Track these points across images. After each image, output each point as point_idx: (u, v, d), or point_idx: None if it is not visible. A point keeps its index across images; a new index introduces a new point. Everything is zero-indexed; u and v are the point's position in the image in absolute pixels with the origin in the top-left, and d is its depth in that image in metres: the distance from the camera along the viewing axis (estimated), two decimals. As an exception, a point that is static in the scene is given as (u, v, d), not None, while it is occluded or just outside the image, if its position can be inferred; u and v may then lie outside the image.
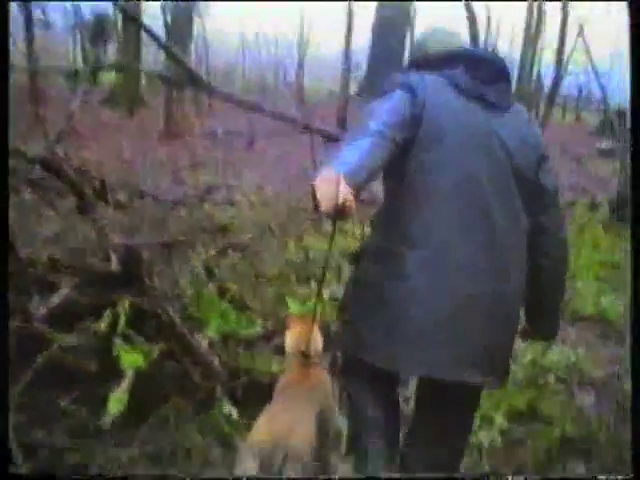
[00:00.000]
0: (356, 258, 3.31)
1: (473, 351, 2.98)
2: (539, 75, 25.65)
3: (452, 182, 2.94)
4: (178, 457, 4.11)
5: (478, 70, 3.06)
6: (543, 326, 3.48)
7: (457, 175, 2.94)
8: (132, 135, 17.83)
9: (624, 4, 3.32)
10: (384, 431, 3.37)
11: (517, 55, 25.44)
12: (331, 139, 10.82)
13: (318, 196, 2.52)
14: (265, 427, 3.11)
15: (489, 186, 2.96)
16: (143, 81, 27.30)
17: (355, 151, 2.74)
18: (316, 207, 2.56)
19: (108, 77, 25.59)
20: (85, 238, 5.46)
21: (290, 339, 3.83)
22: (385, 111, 2.90)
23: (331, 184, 2.48)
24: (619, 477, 3.15)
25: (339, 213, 2.51)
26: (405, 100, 2.93)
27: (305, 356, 3.63)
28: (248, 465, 2.95)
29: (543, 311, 3.39)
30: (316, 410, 3.30)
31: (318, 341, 3.76)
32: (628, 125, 15.42)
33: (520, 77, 25.69)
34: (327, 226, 8.72)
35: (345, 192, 2.48)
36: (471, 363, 2.99)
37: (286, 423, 3.09)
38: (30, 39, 22.88)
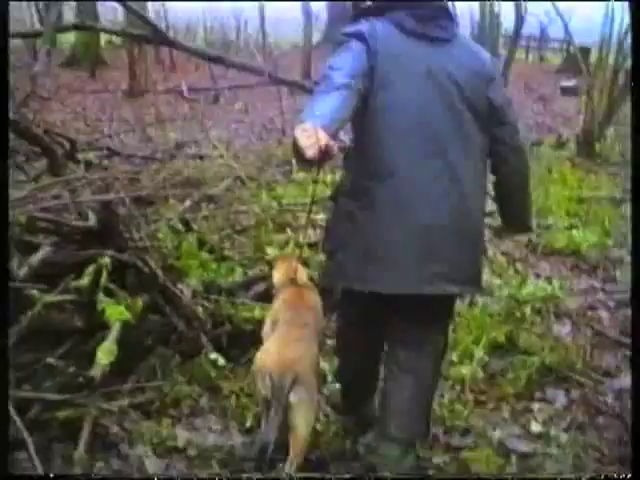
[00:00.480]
0: (334, 196, 3.55)
1: (444, 266, 3.33)
2: (497, 17, 25.50)
3: (408, 120, 3.25)
4: (167, 406, 4.18)
5: (419, 9, 3.31)
6: (516, 223, 3.95)
7: (411, 113, 3.25)
8: (95, 96, 17.70)
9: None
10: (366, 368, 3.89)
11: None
12: (297, 88, 10.82)
13: (301, 144, 2.68)
14: (275, 353, 3.47)
15: (442, 118, 3.29)
16: (102, 42, 27.08)
17: (326, 105, 2.98)
18: (300, 156, 2.72)
19: (67, 38, 25.30)
20: (57, 199, 5.44)
21: (278, 274, 4.26)
22: (347, 62, 3.15)
23: (311, 133, 2.69)
24: (619, 477, 3.24)
25: (323, 156, 2.69)
26: (361, 50, 3.19)
27: (294, 282, 4.05)
28: (259, 387, 3.43)
29: (513, 211, 3.82)
30: (317, 331, 3.81)
31: (303, 272, 4.28)
32: (591, 61, 15.55)
33: (481, 20, 25.63)
34: (296, 176, 8.78)
35: (325, 137, 2.69)
36: (445, 277, 3.34)
37: (294, 349, 3.50)
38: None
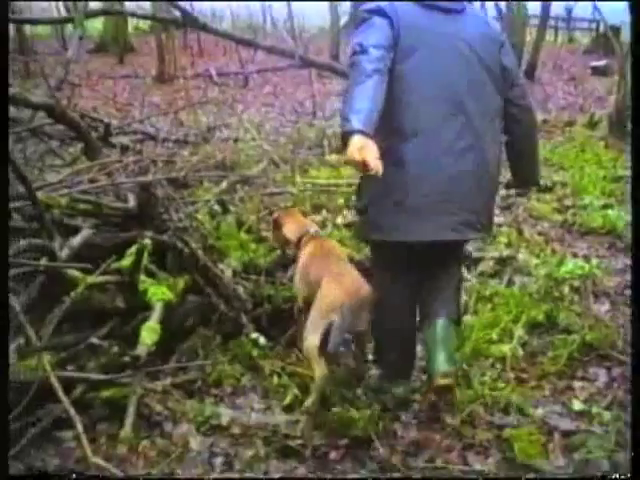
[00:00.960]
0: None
1: (468, 215, 3.74)
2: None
3: (430, 84, 3.58)
4: (210, 386, 4.20)
5: None
6: (526, 177, 4.29)
7: (434, 78, 3.58)
8: (125, 81, 17.75)
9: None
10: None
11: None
12: (329, 70, 10.79)
13: (355, 162, 3.17)
14: (338, 290, 3.88)
15: (461, 81, 3.62)
16: (130, 28, 27.16)
17: (363, 97, 3.31)
18: (352, 163, 3.23)
19: (94, 26, 25.40)
20: (95, 182, 5.48)
21: (289, 228, 4.61)
22: (373, 41, 3.44)
23: (363, 152, 3.14)
24: (618, 477, 3.22)
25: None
26: (384, 25, 3.50)
27: (309, 234, 4.48)
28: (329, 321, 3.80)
29: (524, 166, 4.17)
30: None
31: (312, 223, 4.75)
32: (623, 39, 15.37)
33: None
34: (329, 157, 8.78)
35: (375, 158, 3.16)
36: (469, 225, 3.76)
37: (350, 281, 3.97)
38: (12, -9, 22.66)
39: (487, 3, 25.29)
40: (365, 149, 3.15)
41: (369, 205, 3.77)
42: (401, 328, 4.08)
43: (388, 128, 3.47)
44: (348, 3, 30.90)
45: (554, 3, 22.20)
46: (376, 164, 3.15)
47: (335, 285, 3.93)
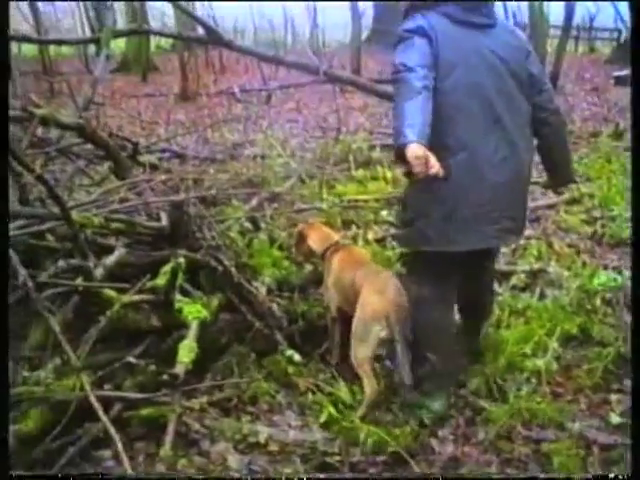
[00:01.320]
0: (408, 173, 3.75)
1: (509, 221, 3.98)
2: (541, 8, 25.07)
3: (471, 99, 3.76)
4: (246, 403, 4.20)
5: (463, 1, 3.84)
6: (560, 176, 4.51)
7: (473, 92, 3.77)
8: (148, 100, 17.85)
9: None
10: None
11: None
12: (352, 85, 10.79)
13: (415, 169, 3.34)
14: (380, 298, 4.00)
15: (496, 95, 3.82)
16: (152, 47, 27.34)
17: (415, 112, 3.47)
18: (409, 173, 3.49)
19: (117, 45, 25.59)
20: (126, 201, 5.51)
21: (315, 241, 4.75)
22: (417, 60, 3.61)
23: (422, 160, 3.31)
24: (618, 477, 3.20)
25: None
26: (424, 44, 3.67)
27: (338, 244, 4.66)
28: (377, 330, 3.94)
29: (558, 166, 4.38)
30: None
31: (335, 233, 4.93)
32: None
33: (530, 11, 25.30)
34: (355, 173, 8.79)
35: (436, 164, 3.34)
36: (509, 231, 4.03)
37: (393, 289, 4.06)
38: (36, 13, 22.92)
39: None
40: (425, 154, 3.31)
41: (416, 217, 3.96)
42: (443, 336, 4.20)
43: (434, 144, 3.52)
44: (370, 18, 31.11)
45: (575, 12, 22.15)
46: (438, 166, 3.34)
47: (377, 293, 4.03)
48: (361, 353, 4.01)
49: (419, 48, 3.66)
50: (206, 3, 27.90)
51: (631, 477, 2.92)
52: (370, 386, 3.97)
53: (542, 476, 3.56)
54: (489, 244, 4.07)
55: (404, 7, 4.01)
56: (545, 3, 24.43)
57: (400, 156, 3.42)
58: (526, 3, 23.07)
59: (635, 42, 3.63)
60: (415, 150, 3.31)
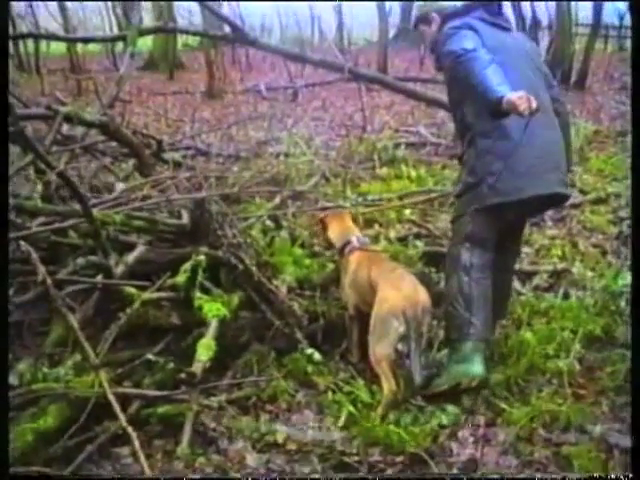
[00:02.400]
0: (471, 139, 4.45)
1: (562, 175, 4.50)
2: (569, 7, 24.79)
3: (513, 73, 4.13)
4: (265, 402, 4.19)
5: (489, 7, 4.51)
6: None
7: (513, 70, 4.18)
8: (175, 98, 17.90)
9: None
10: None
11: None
12: (378, 83, 10.76)
13: (520, 108, 3.76)
14: (397, 295, 4.06)
15: (532, 74, 4.45)
16: (179, 45, 27.41)
17: (497, 74, 3.97)
18: (515, 111, 3.81)
19: (144, 43, 25.67)
20: (148, 198, 5.52)
21: (334, 234, 4.84)
22: (474, 46, 4.09)
23: (524, 98, 3.77)
24: (618, 477, 3.15)
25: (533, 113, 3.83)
26: (473, 34, 4.20)
27: (354, 246, 4.68)
28: (395, 327, 3.98)
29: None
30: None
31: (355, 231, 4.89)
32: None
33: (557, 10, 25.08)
34: (380, 171, 8.76)
35: (534, 101, 3.81)
36: (564, 182, 4.53)
37: (409, 285, 4.17)
38: (64, 11, 23.06)
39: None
40: (525, 94, 3.78)
41: (483, 177, 4.33)
42: (488, 301, 4.41)
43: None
44: (397, 16, 31.08)
45: (604, 10, 21.91)
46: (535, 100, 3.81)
47: (393, 289, 4.10)
48: (379, 350, 4.02)
49: (471, 37, 4.18)
50: (233, 2, 27.94)
51: (632, 477, 2.88)
52: (388, 385, 3.96)
53: (539, 476, 3.51)
54: (552, 189, 4.40)
55: (416, 16, 4.78)
56: (573, 2, 24.28)
57: (497, 111, 3.94)
58: (554, 3, 22.95)
59: (635, 42, 3.60)
60: (516, 94, 3.78)
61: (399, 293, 4.06)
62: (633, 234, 3.51)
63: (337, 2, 21.39)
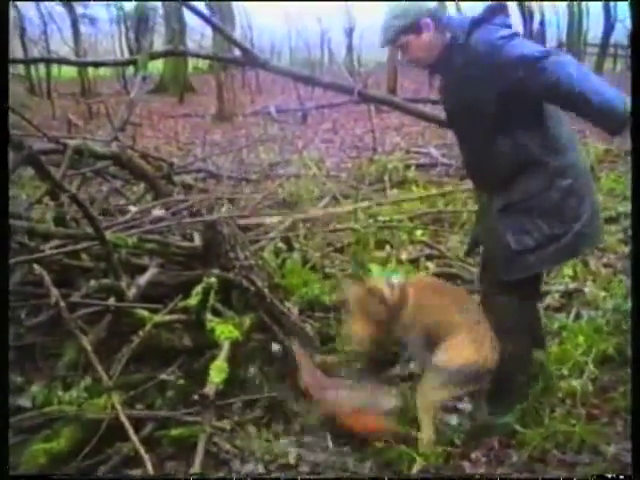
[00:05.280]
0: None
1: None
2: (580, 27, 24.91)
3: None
4: (277, 423, 4.19)
5: (502, 14, 3.84)
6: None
7: None
8: (185, 121, 17.99)
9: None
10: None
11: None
12: (387, 104, 10.78)
13: None
14: (476, 353, 3.83)
15: None
16: (189, 68, 27.59)
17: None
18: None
19: (154, 66, 25.85)
20: (160, 221, 5.55)
21: (351, 299, 4.19)
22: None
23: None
24: (618, 477, 3.13)
25: None
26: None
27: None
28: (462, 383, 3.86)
29: None
30: None
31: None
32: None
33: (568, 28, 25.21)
34: (390, 192, 8.78)
35: None
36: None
37: (489, 345, 3.87)
38: (77, 35, 23.23)
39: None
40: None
41: (569, 225, 3.82)
42: (531, 360, 4.28)
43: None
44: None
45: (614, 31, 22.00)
46: None
47: (474, 344, 3.86)
48: (433, 398, 3.85)
49: (528, 41, 3.75)
50: (245, 24, 28.12)
51: (632, 477, 2.87)
52: (428, 434, 3.80)
53: (539, 476, 3.50)
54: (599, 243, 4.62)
55: (398, 27, 3.90)
56: (584, 22, 24.38)
57: (622, 125, 3.45)
58: (565, 22, 23.02)
59: (635, 42, 3.57)
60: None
61: (479, 352, 3.83)
62: (633, 238, 3.47)
63: (347, 24, 21.45)
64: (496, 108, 3.67)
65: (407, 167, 10.25)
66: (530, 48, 3.54)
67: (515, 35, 3.65)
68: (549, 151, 3.73)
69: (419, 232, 6.89)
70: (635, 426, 2.95)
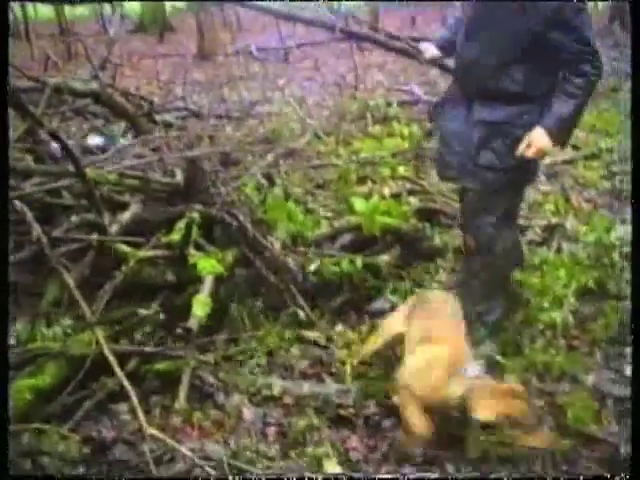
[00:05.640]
0: None
1: None
2: None
3: None
4: (260, 357, 4.22)
5: None
6: None
7: None
8: (166, 60, 17.79)
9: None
10: None
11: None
12: (370, 41, 10.70)
13: None
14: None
15: None
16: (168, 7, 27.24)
17: None
18: None
19: (132, 8, 25.58)
20: (140, 157, 5.52)
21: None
22: None
23: None
24: (619, 477, 3.16)
25: None
26: None
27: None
28: None
29: None
30: None
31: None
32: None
33: None
34: (372, 129, 8.74)
35: None
36: None
37: None
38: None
39: None
40: None
41: None
42: None
43: None
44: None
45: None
46: None
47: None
48: None
49: None
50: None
51: (631, 477, 2.91)
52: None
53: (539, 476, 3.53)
54: None
55: None
56: None
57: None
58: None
59: (635, 42, 3.56)
60: None
61: None
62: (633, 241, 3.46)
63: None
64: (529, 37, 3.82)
65: (389, 104, 10.18)
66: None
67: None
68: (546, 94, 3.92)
69: (401, 168, 6.87)
70: (635, 424, 2.97)
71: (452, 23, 4.53)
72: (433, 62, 4.63)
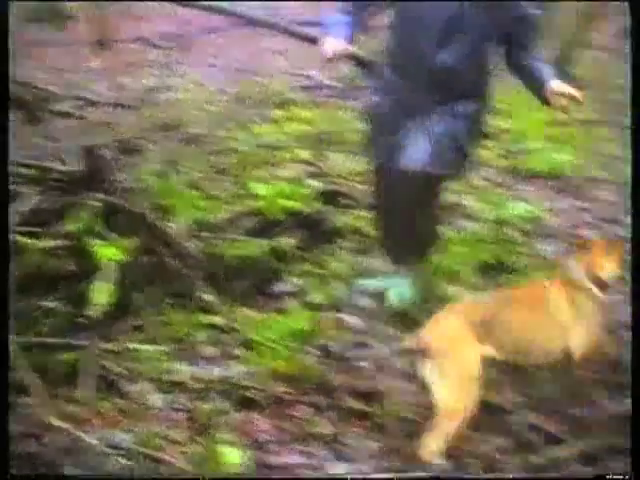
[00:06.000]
0: None
1: None
2: None
3: None
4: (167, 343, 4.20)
5: None
6: None
7: None
8: (64, 49, 17.45)
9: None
10: None
11: None
12: (269, 27, 10.67)
13: None
14: None
15: None
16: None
17: None
18: None
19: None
20: (37, 147, 5.43)
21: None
22: None
23: None
24: (619, 477, 3.23)
25: None
26: None
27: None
28: None
29: None
30: None
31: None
32: None
33: None
34: (273, 114, 8.76)
35: None
36: None
37: None
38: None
39: None
40: None
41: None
42: None
43: None
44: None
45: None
46: None
47: None
48: None
49: None
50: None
51: (631, 477, 2.96)
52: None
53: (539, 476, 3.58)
54: None
55: None
56: None
57: None
58: None
59: (635, 42, 3.60)
60: None
61: None
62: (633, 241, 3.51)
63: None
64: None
65: (290, 89, 10.20)
66: None
67: None
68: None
69: (302, 152, 6.90)
70: (635, 426, 3.03)
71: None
72: (342, 57, 4.17)
